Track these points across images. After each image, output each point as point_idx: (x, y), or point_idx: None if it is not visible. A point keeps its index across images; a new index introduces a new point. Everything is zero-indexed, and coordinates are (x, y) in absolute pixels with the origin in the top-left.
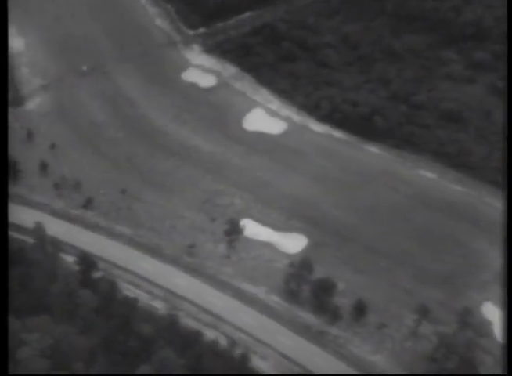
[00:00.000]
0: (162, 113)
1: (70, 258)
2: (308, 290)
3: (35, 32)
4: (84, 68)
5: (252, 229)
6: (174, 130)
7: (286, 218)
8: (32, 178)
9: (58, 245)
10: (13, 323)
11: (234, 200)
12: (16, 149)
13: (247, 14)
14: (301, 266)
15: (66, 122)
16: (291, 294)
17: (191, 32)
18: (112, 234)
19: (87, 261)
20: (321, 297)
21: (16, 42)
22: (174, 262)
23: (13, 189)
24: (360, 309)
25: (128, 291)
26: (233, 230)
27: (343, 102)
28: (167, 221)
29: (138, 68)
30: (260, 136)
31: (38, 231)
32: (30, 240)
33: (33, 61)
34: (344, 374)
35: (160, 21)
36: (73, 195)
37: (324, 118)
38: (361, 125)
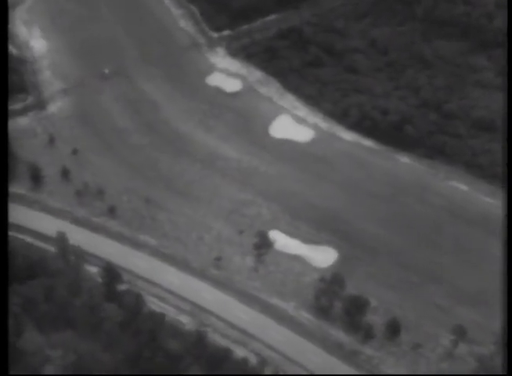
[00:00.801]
0: (186, 118)
1: (93, 269)
2: (339, 306)
3: (58, 35)
4: (107, 71)
5: (280, 241)
6: (199, 136)
7: (315, 230)
8: (53, 184)
9: (81, 255)
10: (37, 338)
11: (261, 210)
12: (38, 154)
13: (272, 17)
14: (332, 281)
15: (89, 127)
16: (322, 311)
17: (215, 34)
18: (136, 244)
19: (111, 273)
20: (353, 314)
21: (38, 45)
22: (201, 274)
23: (34, 195)
24: (394, 328)
25: (154, 304)
26: (263, 244)
27: (372, 109)
28: (193, 231)
29: (162, 71)
30: (287, 144)
31: (61, 240)
32: (51, 248)
33: (55, 64)
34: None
35: (183, 23)
36: (96, 203)
37: (353, 126)
38: (391, 134)
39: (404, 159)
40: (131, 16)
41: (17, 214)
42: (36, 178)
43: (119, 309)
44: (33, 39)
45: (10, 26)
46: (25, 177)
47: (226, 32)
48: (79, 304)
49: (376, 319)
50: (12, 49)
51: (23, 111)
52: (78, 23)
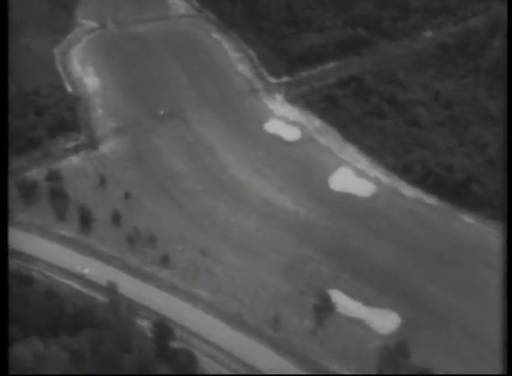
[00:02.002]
0: (244, 165)
1: (143, 323)
2: None
3: (112, 73)
4: (162, 112)
5: (341, 302)
6: (257, 185)
7: (377, 292)
8: (104, 228)
9: (132, 308)
10: None
11: (321, 267)
12: (88, 195)
13: (332, 64)
14: (397, 350)
15: (142, 169)
16: None
17: (274, 80)
18: (189, 298)
19: (163, 328)
20: None
21: (92, 83)
22: (257, 334)
23: (83, 239)
24: None
25: (207, 365)
26: (324, 307)
27: (436, 166)
28: (250, 287)
29: (219, 115)
30: (347, 198)
31: (111, 290)
32: (100, 297)
33: (108, 102)
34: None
35: (241, 67)
36: (148, 250)
37: (416, 182)
38: (456, 192)
39: (470, 219)
40: (188, 57)
41: (66, 258)
42: (86, 221)
43: (170, 368)
44: (87, 77)
45: (67, 64)
46: (74, 219)
47: (285, 78)
48: (129, 361)
49: None
50: (67, 86)
51: (75, 150)
52: (134, 62)
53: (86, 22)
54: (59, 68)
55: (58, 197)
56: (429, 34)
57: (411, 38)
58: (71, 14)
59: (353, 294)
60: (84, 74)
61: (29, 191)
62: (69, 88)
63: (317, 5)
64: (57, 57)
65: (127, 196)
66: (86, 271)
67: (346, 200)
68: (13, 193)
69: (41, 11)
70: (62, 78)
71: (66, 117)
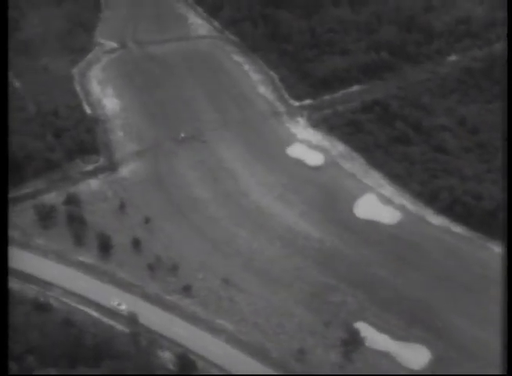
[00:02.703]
0: (266, 190)
1: (165, 354)
2: None
3: (132, 94)
4: (182, 135)
5: (368, 335)
6: (280, 211)
7: (405, 325)
8: (124, 254)
9: (153, 339)
10: None
11: (347, 298)
12: (108, 220)
13: (355, 88)
14: None
15: (162, 193)
16: None
17: (296, 103)
18: (212, 328)
19: (185, 361)
20: None
21: (112, 104)
22: (281, 367)
23: (103, 265)
24: None
25: None
26: (352, 340)
27: (464, 194)
28: (273, 317)
29: (240, 138)
30: (372, 225)
31: (132, 321)
32: (119, 325)
33: (128, 125)
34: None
35: (263, 89)
36: (169, 278)
37: (443, 210)
38: (485, 221)
39: (498, 249)
40: (208, 78)
41: (85, 285)
42: (105, 247)
43: None
44: (106, 98)
45: (86, 84)
46: (93, 245)
47: (307, 101)
48: None
49: None
50: (86, 108)
51: (94, 173)
52: (154, 83)
53: (106, 42)
54: (78, 89)
55: (76, 221)
56: (453, 58)
57: (435, 63)
58: (91, 34)
59: (380, 327)
60: (104, 95)
61: (47, 215)
62: (88, 110)
63: (340, 29)
64: (76, 77)
65: (147, 221)
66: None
67: (371, 228)
68: (31, 216)
69: (60, 31)
70: (80, 99)
71: (85, 140)
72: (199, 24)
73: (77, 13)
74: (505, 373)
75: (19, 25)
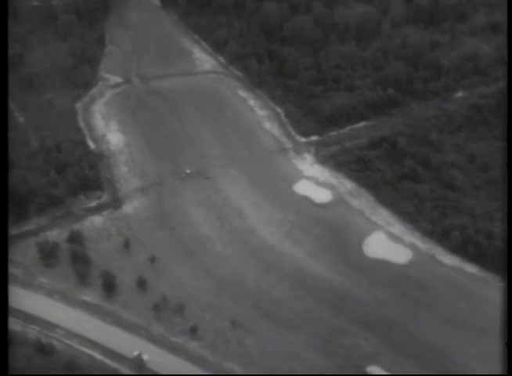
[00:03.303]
0: (274, 228)
1: None
2: None
3: (136, 129)
4: (187, 171)
5: None
6: (288, 250)
7: (419, 369)
8: (128, 294)
9: None
10: None
11: (359, 341)
12: (112, 258)
13: (362, 124)
14: None
15: (168, 231)
16: None
17: (302, 139)
18: (220, 372)
19: None
20: None
21: (115, 139)
22: None
23: (107, 305)
24: None
25: None
26: None
27: (476, 233)
28: (284, 362)
29: (246, 175)
30: (382, 265)
31: (137, 364)
32: (124, 368)
33: (132, 160)
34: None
35: (269, 125)
36: (175, 319)
37: (454, 249)
38: (498, 261)
39: None
40: (214, 113)
41: (88, 326)
42: (109, 286)
43: None
44: (110, 133)
45: (90, 119)
46: (97, 284)
47: (314, 137)
48: None
49: None
50: (89, 143)
51: (97, 209)
52: (158, 118)
53: (110, 76)
54: (82, 123)
55: (80, 259)
56: (460, 94)
57: (442, 99)
58: (95, 69)
59: (393, 371)
60: (108, 130)
61: (50, 253)
62: (91, 145)
63: (346, 65)
64: (80, 112)
65: (152, 260)
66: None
67: (381, 267)
68: (33, 254)
69: (64, 65)
70: (84, 134)
71: (89, 175)
72: (204, 59)
73: (81, 48)
74: (505, 373)
75: (24, 60)
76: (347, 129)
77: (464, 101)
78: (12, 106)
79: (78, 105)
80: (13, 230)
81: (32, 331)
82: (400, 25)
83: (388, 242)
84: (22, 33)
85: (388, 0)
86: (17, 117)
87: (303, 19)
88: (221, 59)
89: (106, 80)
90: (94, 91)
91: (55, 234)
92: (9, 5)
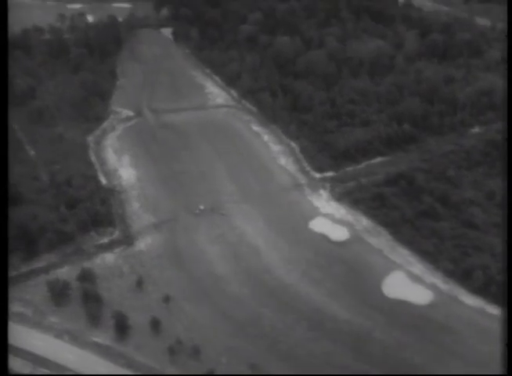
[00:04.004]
0: (290, 267)
1: None
2: None
3: (148, 164)
4: (201, 207)
5: None
6: (306, 290)
7: None
8: (141, 336)
9: None
10: None
11: None
12: (125, 298)
13: (378, 159)
14: None
15: (182, 270)
16: None
17: (318, 175)
18: None
19: None
20: None
21: (127, 174)
22: None
23: (119, 347)
24: None
25: None
26: None
27: (498, 273)
28: None
29: (261, 211)
30: (403, 306)
31: None
32: None
33: (144, 196)
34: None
35: (283, 160)
36: (190, 362)
37: (477, 290)
38: None
39: None
40: (227, 148)
41: (99, 368)
42: (122, 327)
43: None
44: (122, 168)
45: (101, 153)
46: (109, 325)
47: (329, 173)
48: None
49: None
50: (101, 177)
51: (109, 246)
52: (171, 153)
53: (121, 110)
54: (93, 158)
55: (91, 299)
56: (477, 130)
57: (459, 134)
58: (106, 102)
59: None
60: (119, 164)
61: (60, 292)
62: (103, 180)
63: (360, 100)
64: (91, 146)
65: (166, 299)
66: None
67: (402, 308)
68: (43, 293)
69: (75, 98)
70: (95, 169)
71: (100, 211)
72: (216, 93)
73: (92, 81)
74: (505, 373)
75: (35, 93)
76: (362, 165)
77: (481, 136)
78: (23, 139)
79: (89, 138)
80: (23, 267)
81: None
82: (414, 60)
83: (408, 282)
84: (33, 66)
85: (402, 34)
86: (28, 150)
87: (316, 53)
88: (234, 93)
89: (118, 113)
90: (105, 124)
91: (66, 272)
92: (20, 39)
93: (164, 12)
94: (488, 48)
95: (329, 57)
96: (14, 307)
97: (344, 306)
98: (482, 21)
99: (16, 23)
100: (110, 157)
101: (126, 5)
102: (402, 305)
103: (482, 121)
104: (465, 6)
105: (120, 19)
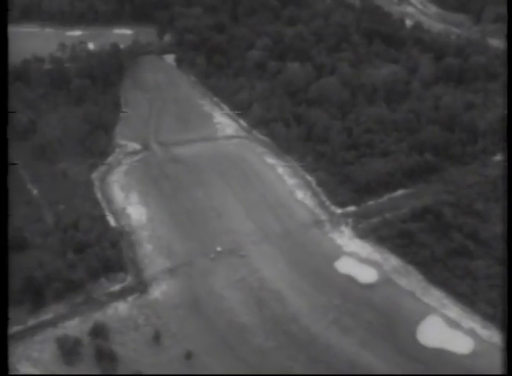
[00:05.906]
0: (318, 314)
1: None
2: None
3: (159, 202)
4: (219, 249)
5: None
6: (336, 340)
7: None
8: None
9: None
10: None
11: None
12: (141, 355)
13: (400, 192)
14: None
15: (202, 320)
16: None
17: (338, 210)
18: None
19: None
20: None
21: (136, 213)
22: None
23: None
24: None
25: None
26: None
27: None
28: None
29: (282, 252)
30: (441, 355)
31: None
32: None
33: (157, 237)
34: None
35: (301, 195)
36: None
37: None
38: None
39: None
40: (240, 183)
41: None
42: None
43: None
44: (131, 206)
45: (108, 191)
46: None
47: (351, 208)
48: None
49: None
50: (109, 218)
51: (121, 295)
52: (182, 189)
53: (127, 143)
54: (99, 196)
55: (105, 357)
56: (499, 158)
57: (482, 163)
58: (111, 135)
59: None
60: (128, 202)
61: (71, 350)
62: (111, 220)
63: (378, 129)
64: (96, 183)
65: (188, 356)
66: None
67: (441, 358)
68: (52, 350)
69: (78, 132)
70: (102, 208)
71: (110, 256)
72: (225, 123)
73: (96, 113)
74: (505, 373)
75: (36, 127)
76: (385, 198)
77: (505, 165)
78: (25, 176)
79: (94, 175)
80: (30, 321)
81: None
82: (430, 85)
83: (445, 328)
84: (34, 98)
85: (415, 58)
86: (30, 189)
87: (329, 80)
88: (243, 122)
89: (124, 147)
90: (111, 159)
91: (76, 324)
92: (20, 70)
93: (167, 38)
94: (504, 71)
95: (342, 84)
96: (22, 367)
97: (379, 357)
98: (495, 42)
99: (15, 52)
100: (118, 194)
101: (128, 31)
102: (440, 355)
103: (505, 147)
104: (476, 27)
105: (121, 45)
